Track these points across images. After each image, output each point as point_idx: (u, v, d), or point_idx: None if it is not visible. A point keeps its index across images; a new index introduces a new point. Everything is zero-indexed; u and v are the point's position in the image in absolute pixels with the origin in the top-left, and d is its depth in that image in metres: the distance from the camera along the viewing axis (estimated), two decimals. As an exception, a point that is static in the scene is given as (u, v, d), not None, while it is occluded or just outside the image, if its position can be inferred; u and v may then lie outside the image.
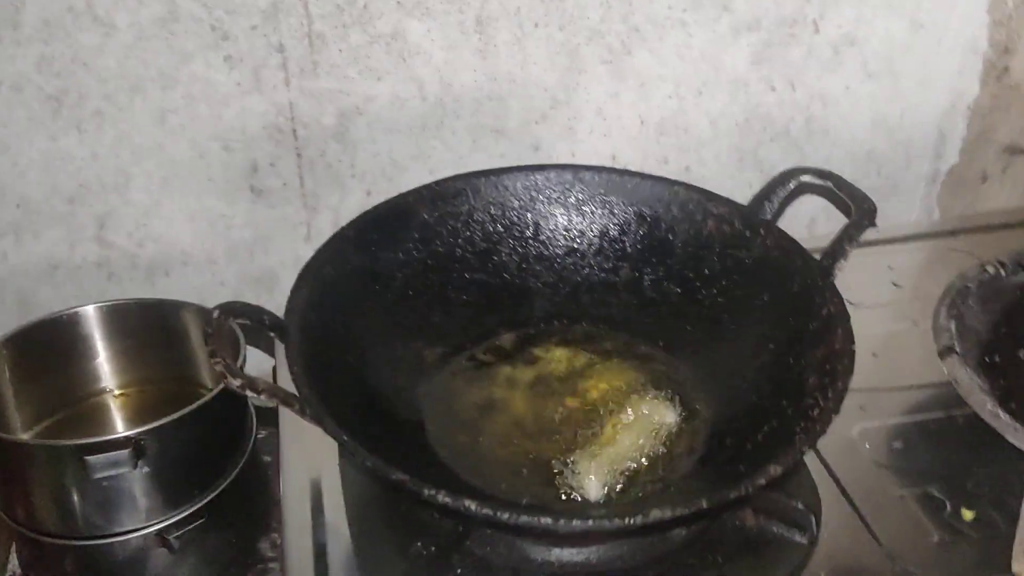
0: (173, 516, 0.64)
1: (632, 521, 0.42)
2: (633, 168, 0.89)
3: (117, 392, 0.73)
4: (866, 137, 0.94)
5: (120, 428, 0.72)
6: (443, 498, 0.43)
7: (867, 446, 0.59)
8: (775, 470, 0.44)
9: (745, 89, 0.88)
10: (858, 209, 0.56)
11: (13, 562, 0.69)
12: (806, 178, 0.60)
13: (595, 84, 0.84)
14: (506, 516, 0.42)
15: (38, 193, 0.74)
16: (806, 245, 0.59)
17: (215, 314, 0.48)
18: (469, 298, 0.64)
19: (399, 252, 0.62)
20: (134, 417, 0.72)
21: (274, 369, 0.64)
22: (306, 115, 0.77)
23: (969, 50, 0.91)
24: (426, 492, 0.43)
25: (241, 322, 0.51)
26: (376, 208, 0.62)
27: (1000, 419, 0.53)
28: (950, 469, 0.57)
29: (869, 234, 0.82)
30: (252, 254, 0.83)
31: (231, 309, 0.49)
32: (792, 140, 0.92)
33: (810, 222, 0.94)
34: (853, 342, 0.51)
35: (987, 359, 0.61)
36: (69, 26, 0.68)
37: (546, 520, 0.42)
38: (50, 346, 0.69)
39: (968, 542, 0.52)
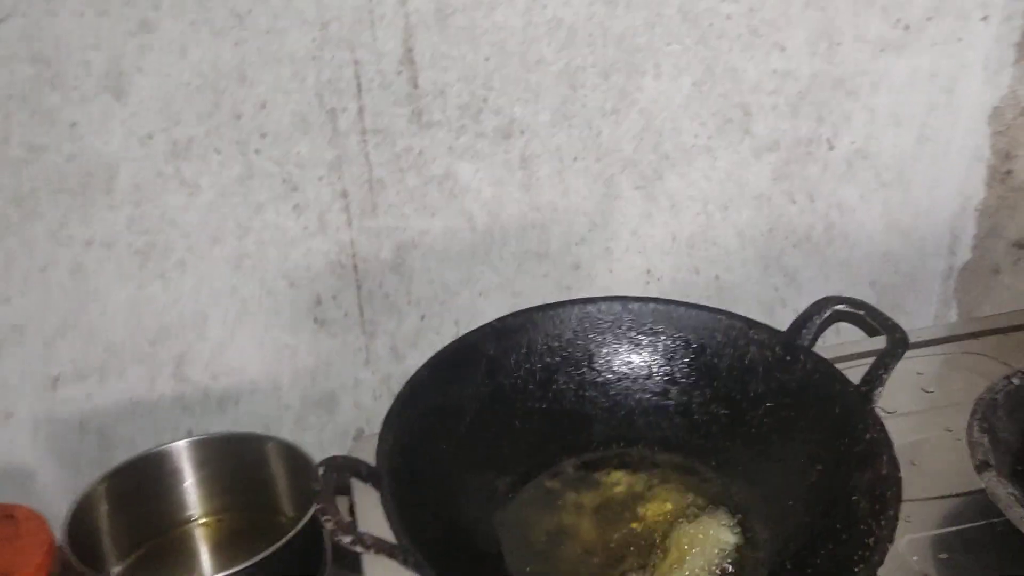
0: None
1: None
2: (666, 279, 0.96)
3: (202, 521, 0.78)
4: (882, 239, 1.00)
5: (203, 557, 0.76)
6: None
7: (915, 558, 0.63)
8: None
9: (768, 203, 0.94)
10: (891, 339, 0.62)
11: None
12: (840, 307, 0.65)
13: (630, 207, 0.90)
14: None
15: (123, 336, 0.80)
16: (833, 352, 0.64)
17: (320, 471, 0.53)
18: (533, 426, 0.69)
19: (468, 387, 0.67)
20: (217, 547, 0.76)
21: (351, 507, 0.68)
22: (366, 251, 0.84)
23: (973, 158, 0.98)
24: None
25: (343, 476, 0.56)
26: (446, 348, 0.67)
27: (1039, 532, 0.57)
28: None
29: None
30: (314, 379, 0.88)
31: (335, 464, 0.54)
32: (813, 245, 0.98)
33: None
34: (899, 469, 0.55)
35: (1020, 468, 0.65)
36: (158, 189, 0.75)
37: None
38: (143, 480, 0.74)
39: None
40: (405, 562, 0.51)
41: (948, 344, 0.85)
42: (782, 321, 0.74)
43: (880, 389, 0.61)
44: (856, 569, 0.50)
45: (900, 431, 0.74)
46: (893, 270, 1.02)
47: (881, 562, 0.50)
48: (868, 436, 0.58)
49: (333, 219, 0.81)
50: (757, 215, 0.94)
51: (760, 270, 0.98)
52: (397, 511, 0.53)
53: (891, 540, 0.51)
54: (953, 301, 1.07)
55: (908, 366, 0.83)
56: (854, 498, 0.56)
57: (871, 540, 0.52)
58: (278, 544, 0.65)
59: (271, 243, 0.81)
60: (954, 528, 0.64)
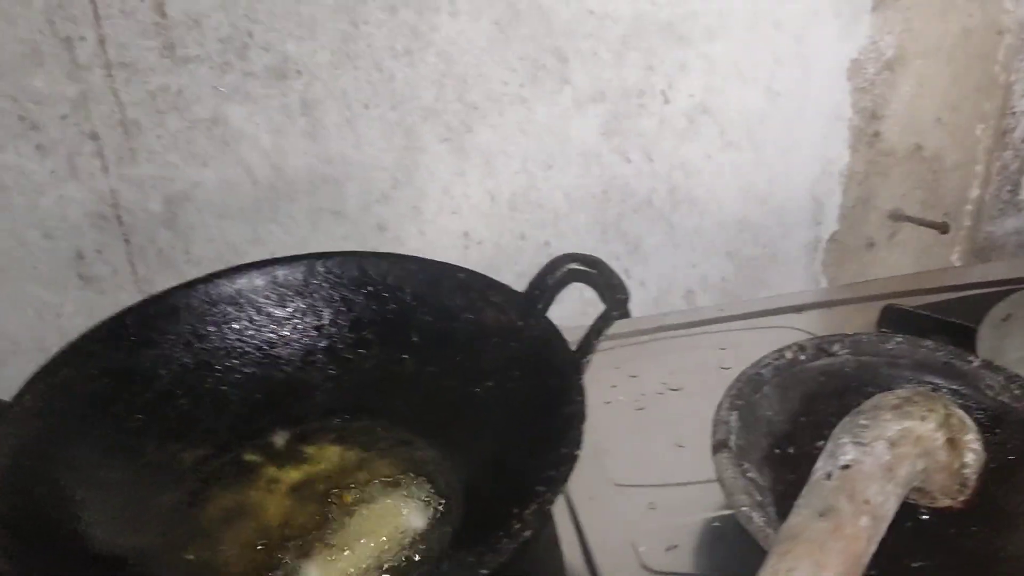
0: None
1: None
2: (488, 244, 0.88)
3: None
4: (736, 206, 0.91)
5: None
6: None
7: (642, 548, 0.55)
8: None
9: (598, 161, 0.86)
10: (610, 300, 0.54)
11: None
12: (575, 265, 0.57)
13: (437, 162, 0.82)
14: None
15: None
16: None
17: None
18: (244, 394, 0.61)
19: (164, 347, 0.60)
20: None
21: None
22: (130, 202, 0.77)
23: (833, 117, 0.88)
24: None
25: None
26: (139, 304, 0.60)
27: (753, 522, 0.49)
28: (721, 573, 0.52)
29: (708, 313, 0.80)
30: (88, 341, 0.81)
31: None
32: (656, 211, 0.89)
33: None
34: (578, 448, 0.47)
35: (778, 451, 0.57)
36: None
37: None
38: None
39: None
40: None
41: (769, 316, 0.76)
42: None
43: (589, 357, 0.52)
44: (483, 559, 0.43)
45: (677, 408, 0.67)
46: (752, 240, 0.93)
47: (505, 554, 0.43)
48: (566, 409, 0.50)
49: (85, 164, 0.74)
50: (586, 175, 0.86)
51: (596, 237, 0.90)
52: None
53: (532, 527, 0.44)
54: (823, 277, 0.97)
55: (713, 340, 0.75)
56: (534, 481, 0.48)
57: (516, 526, 0.44)
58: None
59: (15, 188, 0.74)
60: (695, 517, 0.56)
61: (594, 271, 0.56)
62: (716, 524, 0.56)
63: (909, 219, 0.94)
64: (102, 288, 0.80)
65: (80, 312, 0.80)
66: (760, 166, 0.89)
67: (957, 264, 1.01)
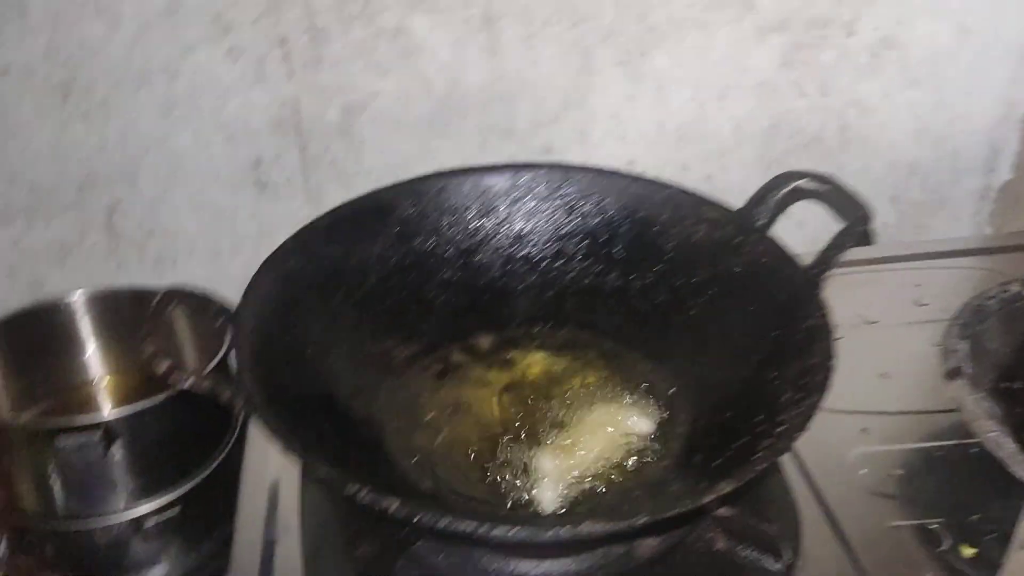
0: (148, 504, 0.63)
1: (557, 533, 0.39)
2: (650, 174, 0.86)
3: (108, 378, 0.73)
4: (908, 148, 0.88)
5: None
6: (365, 494, 0.41)
7: (863, 471, 0.54)
8: (726, 486, 0.40)
9: (773, 93, 0.83)
10: (852, 216, 0.52)
11: (3, 546, 0.70)
12: (803, 183, 0.55)
13: (610, 86, 0.81)
14: (422, 517, 0.39)
15: (49, 179, 0.76)
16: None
17: (158, 297, 0.47)
18: (449, 297, 0.61)
19: (376, 247, 0.60)
20: (119, 405, 0.72)
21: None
22: (310, 110, 0.77)
23: (1022, 58, 0.84)
24: (348, 486, 0.41)
25: (188, 307, 0.50)
26: (353, 201, 0.60)
27: (1004, 448, 0.47)
28: (954, 502, 0.51)
29: (898, 249, 0.78)
30: (257, 248, 0.82)
31: (175, 294, 0.48)
32: (826, 148, 0.87)
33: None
34: (832, 357, 0.46)
35: (1004, 385, 0.55)
36: (75, 15, 0.69)
37: (463, 526, 0.39)
38: (42, 332, 0.70)
39: (965, 581, 0.46)
40: (231, 401, 0.45)
41: (958, 258, 0.73)
42: (789, 242, 0.64)
43: (829, 272, 0.51)
44: (757, 454, 0.42)
45: (877, 340, 0.65)
46: (919, 185, 0.90)
47: (785, 450, 0.43)
48: (808, 323, 0.49)
49: (272, 69, 0.75)
50: (759, 107, 0.84)
51: (760, 172, 0.87)
52: (246, 350, 0.47)
53: (801, 428, 0.43)
54: (988, 228, 0.94)
55: (906, 277, 0.73)
56: (781, 390, 0.48)
57: (781, 428, 0.43)
58: (167, 393, 0.60)
59: (205, 91, 0.74)
60: (917, 446, 0.55)
61: (827, 187, 0.54)
62: (939, 454, 0.55)
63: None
64: (275, 195, 0.80)
65: (253, 218, 0.81)
66: (939, 107, 0.86)
67: None
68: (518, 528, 0.40)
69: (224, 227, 0.81)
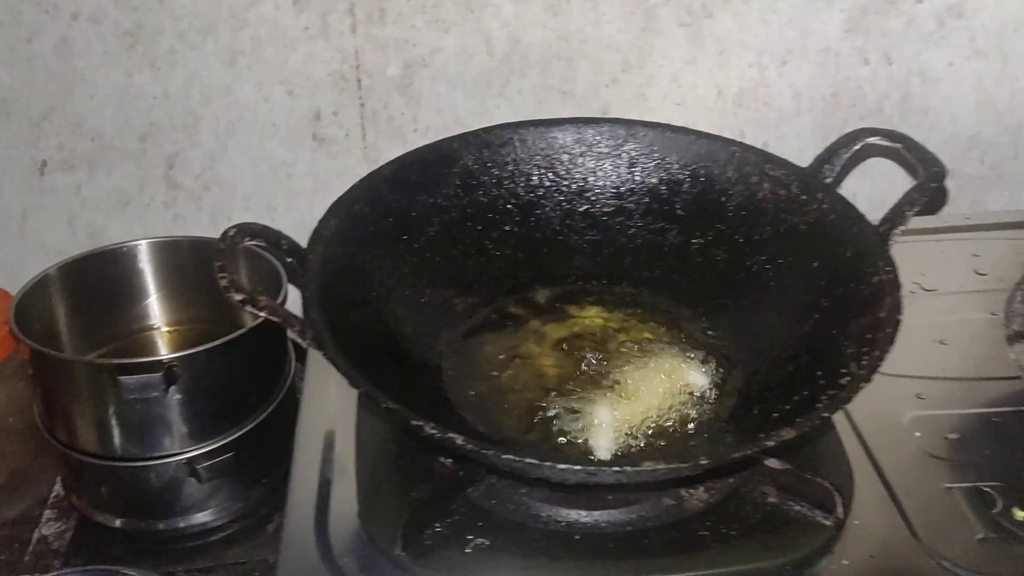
0: (203, 447, 0.64)
1: (620, 470, 0.39)
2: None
3: (166, 329, 0.75)
4: (969, 121, 0.86)
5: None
6: (430, 429, 0.41)
7: (918, 435, 0.54)
8: (786, 433, 0.40)
9: (836, 60, 0.82)
10: (926, 172, 0.51)
11: (57, 483, 0.71)
12: (874, 139, 0.55)
13: (671, 48, 0.80)
14: (470, 447, 0.40)
15: (111, 127, 0.77)
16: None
17: (230, 232, 0.48)
18: (507, 250, 0.62)
19: (438, 197, 0.60)
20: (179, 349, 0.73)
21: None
22: (371, 64, 0.77)
23: (1094, 29, 0.82)
24: (413, 420, 0.42)
25: (257, 244, 0.51)
26: (418, 150, 0.61)
27: (1071, 414, 0.47)
28: (1008, 466, 0.51)
29: (956, 220, 0.77)
30: (311, 204, 0.83)
31: (247, 229, 0.49)
32: (885, 119, 0.85)
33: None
34: (900, 312, 0.46)
35: (1066, 352, 0.54)
36: (145, -38, 0.70)
37: (527, 462, 0.40)
38: (104, 278, 0.71)
39: (1017, 542, 0.46)
40: (302, 335, 0.45)
41: (1017, 229, 0.72)
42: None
43: (900, 228, 0.51)
44: (819, 404, 0.42)
45: (937, 309, 0.65)
46: (978, 159, 0.89)
47: (848, 399, 0.42)
48: (876, 279, 0.49)
49: (336, 22, 0.75)
50: (820, 74, 0.83)
51: (818, 142, 0.86)
52: (313, 287, 0.48)
53: (867, 379, 0.43)
54: (1048, 206, 0.92)
55: (964, 247, 0.72)
56: (844, 345, 0.48)
57: (846, 380, 0.43)
58: (228, 336, 0.61)
59: (269, 41, 0.75)
60: (972, 411, 0.55)
61: (899, 145, 0.54)
62: (996, 419, 0.54)
63: None
64: (332, 151, 0.81)
65: (309, 174, 0.82)
66: (1004, 79, 0.84)
67: None
68: (582, 466, 0.40)
69: (280, 181, 0.81)
